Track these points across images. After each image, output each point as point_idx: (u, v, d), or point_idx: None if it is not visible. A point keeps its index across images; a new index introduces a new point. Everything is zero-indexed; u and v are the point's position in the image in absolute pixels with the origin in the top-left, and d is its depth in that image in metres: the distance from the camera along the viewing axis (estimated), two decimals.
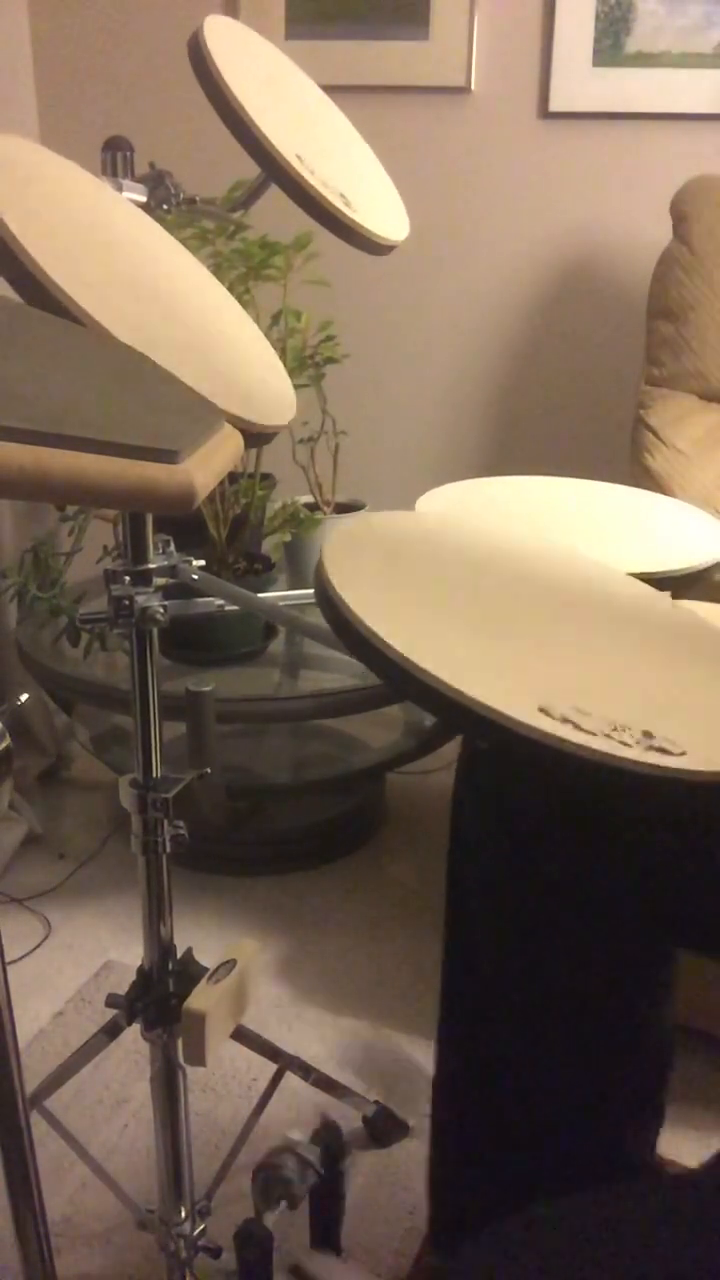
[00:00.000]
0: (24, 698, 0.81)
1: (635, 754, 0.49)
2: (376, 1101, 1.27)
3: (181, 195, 1.02)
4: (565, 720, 0.50)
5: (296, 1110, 1.26)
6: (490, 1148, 0.92)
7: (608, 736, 0.50)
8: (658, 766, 0.49)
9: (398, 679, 0.52)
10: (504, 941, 0.87)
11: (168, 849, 0.93)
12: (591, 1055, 0.88)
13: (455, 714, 0.50)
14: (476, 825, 0.88)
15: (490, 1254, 0.53)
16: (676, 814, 0.72)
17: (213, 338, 0.88)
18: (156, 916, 0.96)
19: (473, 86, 1.91)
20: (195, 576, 0.87)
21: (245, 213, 1.10)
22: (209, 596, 0.90)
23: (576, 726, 0.50)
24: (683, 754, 0.50)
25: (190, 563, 0.88)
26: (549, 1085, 0.88)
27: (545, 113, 1.90)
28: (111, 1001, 1.01)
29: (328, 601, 0.57)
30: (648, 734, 0.51)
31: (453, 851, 0.90)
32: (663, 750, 0.50)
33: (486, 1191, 0.93)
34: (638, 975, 0.87)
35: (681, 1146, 0.98)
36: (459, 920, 0.91)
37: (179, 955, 0.99)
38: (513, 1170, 0.90)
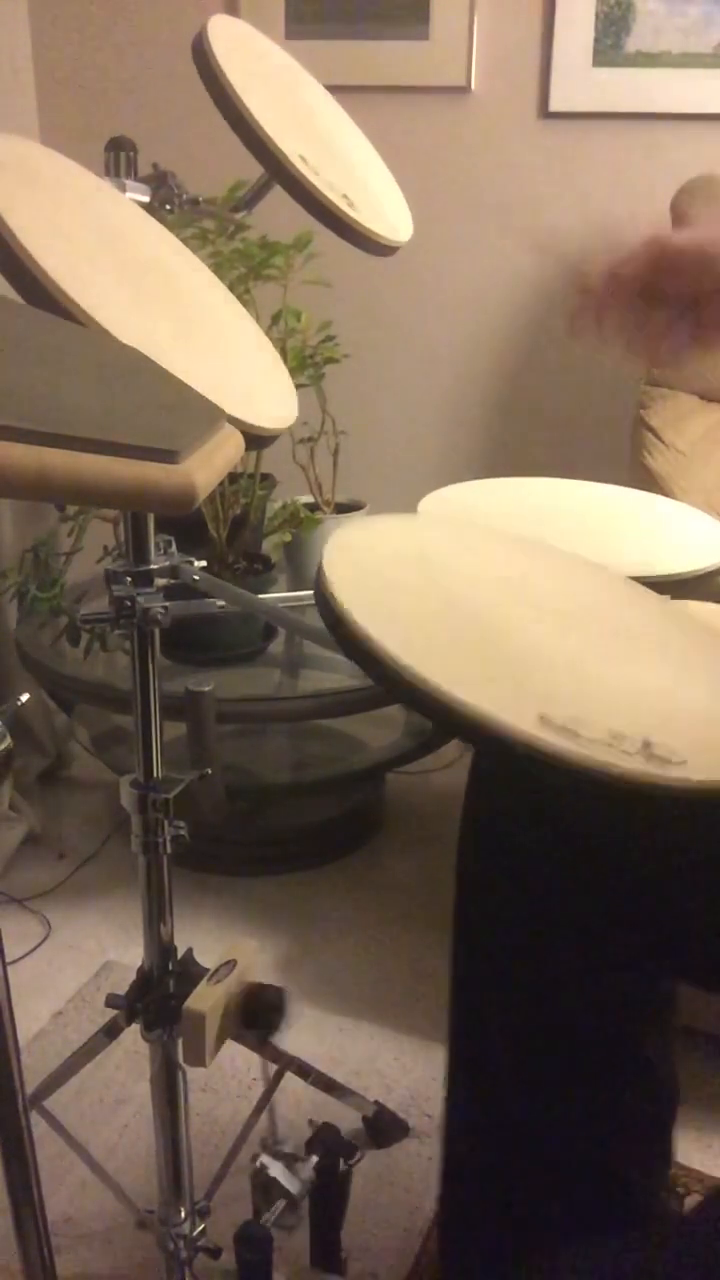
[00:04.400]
0: (24, 698, 0.81)
1: (635, 764, 0.49)
2: (376, 1102, 1.27)
3: (185, 196, 1.02)
4: (564, 730, 0.50)
5: (297, 1110, 1.26)
6: (497, 1163, 0.92)
7: (607, 746, 0.50)
8: (657, 777, 0.49)
9: (396, 686, 0.52)
10: (506, 959, 0.87)
11: (168, 849, 0.93)
12: (597, 1095, 0.88)
13: (453, 722, 0.50)
14: (480, 839, 0.87)
15: None
16: (676, 825, 0.71)
17: (214, 339, 0.88)
18: (157, 916, 0.96)
19: (473, 86, 1.91)
20: (197, 577, 0.87)
21: (247, 213, 1.10)
22: (210, 597, 0.90)
23: (576, 736, 0.50)
24: (683, 764, 0.50)
25: (192, 563, 0.88)
26: (553, 1109, 0.88)
27: (545, 113, 1.90)
28: (111, 1002, 1.01)
29: (327, 608, 0.57)
30: (647, 744, 0.51)
31: (459, 865, 0.90)
32: (663, 760, 0.50)
33: (495, 1202, 0.93)
34: (639, 1000, 0.87)
35: (681, 1146, 0.98)
36: (465, 936, 0.91)
37: (179, 955, 0.99)
38: (521, 1186, 0.90)
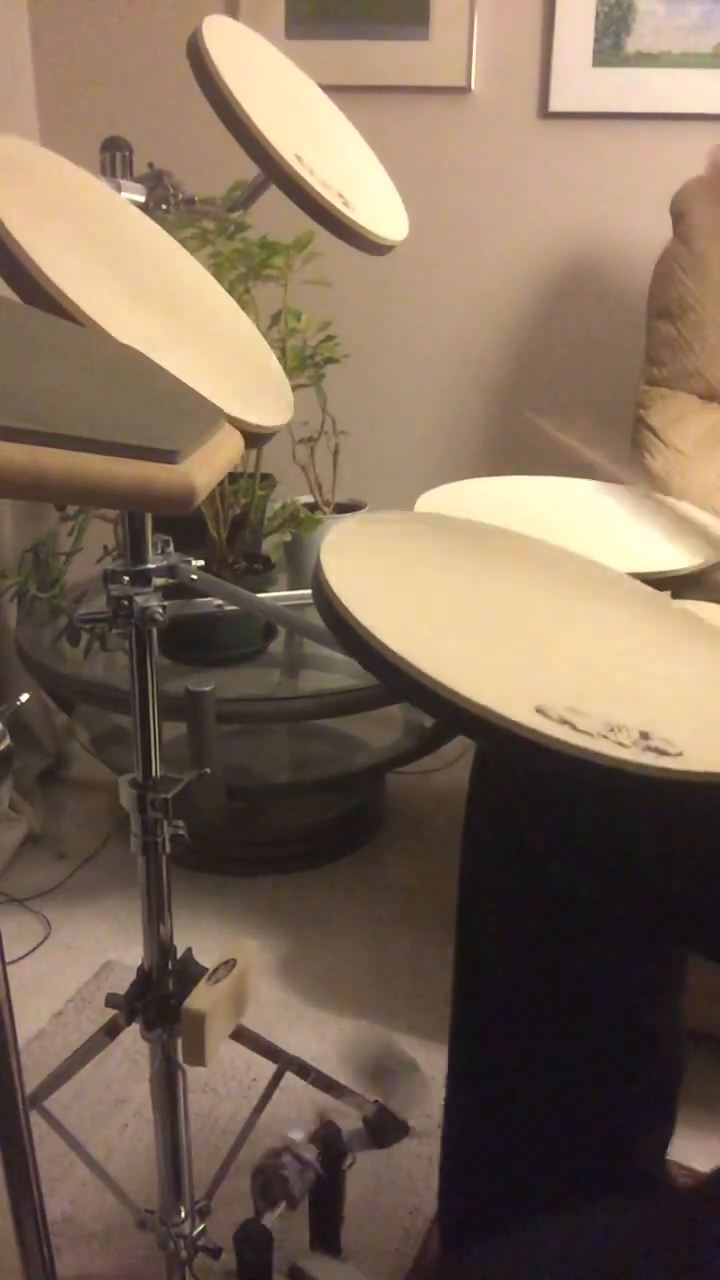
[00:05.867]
0: (24, 698, 0.81)
1: (632, 754, 0.49)
2: (376, 1101, 1.27)
3: (180, 195, 1.02)
4: (562, 721, 0.50)
5: (297, 1110, 1.26)
6: (500, 1153, 0.92)
7: (604, 737, 0.50)
8: (654, 767, 0.49)
9: (394, 679, 0.52)
10: (512, 950, 0.87)
11: (167, 849, 0.93)
12: (601, 1064, 0.88)
13: (452, 714, 0.50)
14: (484, 833, 0.87)
15: (486, 1262, 0.53)
16: (674, 815, 0.72)
17: (211, 338, 0.88)
18: (156, 916, 0.96)
19: (473, 86, 1.91)
20: (194, 577, 0.87)
21: (245, 213, 1.10)
22: (208, 596, 0.90)
23: (573, 727, 0.50)
24: (679, 754, 0.50)
25: (189, 563, 0.88)
26: (558, 1093, 0.88)
27: (545, 113, 1.90)
28: (111, 1001, 1.01)
29: (324, 601, 0.57)
30: (645, 734, 0.51)
31: (463, 859, 0.90)
32: (659, 751, 0.50)
33: (495, 1195, 0.93)
34: (646, 983, 0.87)
35: (682, 1146, 0.98)
36: (469, 928, 0.91)
37: (179, 955, 0.99)
38: (522, 1176, 0.90)
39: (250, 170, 0.97)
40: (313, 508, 1.73)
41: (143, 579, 0.85)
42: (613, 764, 0.48)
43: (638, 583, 0.78)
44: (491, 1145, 0.94)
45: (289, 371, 0.93)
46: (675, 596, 0.81)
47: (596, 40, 1.83)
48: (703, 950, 0.88)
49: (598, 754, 0.48)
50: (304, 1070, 1.22)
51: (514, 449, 2.10)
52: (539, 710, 0.50)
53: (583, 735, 0.49)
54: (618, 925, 0.83)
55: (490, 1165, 0.94)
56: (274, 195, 0.99)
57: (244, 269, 1.50)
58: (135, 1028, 1.00)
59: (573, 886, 0.81)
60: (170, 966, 0.98)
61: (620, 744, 0.49)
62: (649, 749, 0.50)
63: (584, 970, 0.84)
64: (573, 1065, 0.87)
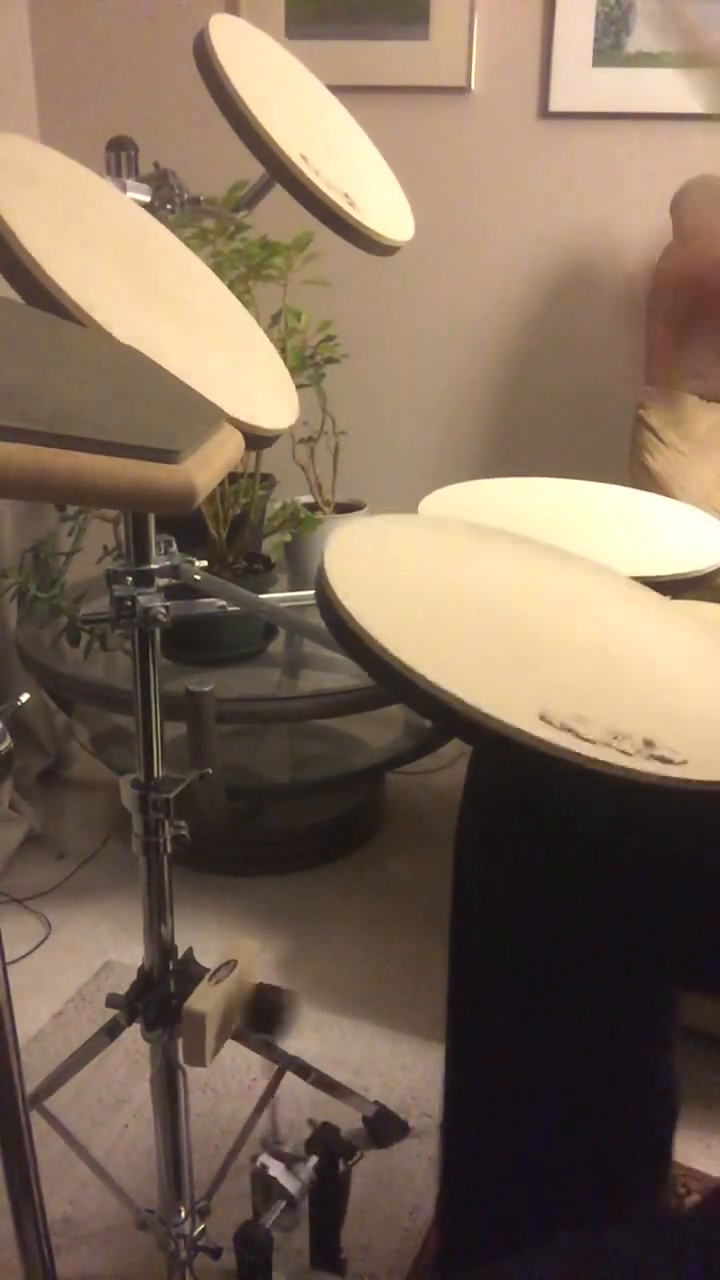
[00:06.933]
0: (24, 698, 0.81)
1: (636, 763, 0.49)
2: (376, 1102, 1.27)
3: (185, 195, 1.02)
4: (565, 728, 0.50)
5: (297, 1110, 1.26)
6: (497, 1156, 0.92)
7: (608, 745, 0.50)
8: (658, 775, 0.49)
9: (397, 685, 0.52)
10: (504, 957, 0.87)
11: (168, 849, 0.93)
12: (594, 1098, 0.88)
13: (454, 721, 0.50)
14: (477, 840, 0.87)
15: None
16: (677, 824, 0.71)
17: (215, 339, 0.88)
18: (157, 916, 0.96)
19: (473, 86, 1.91)
20: (198, 577, 0.87)
21: (247, 212, 1.10)
22: (210, 597, 0.90)
23: (577, 734, 0.50)
24: (684, 762, 0.50)
25: (192, 563, 0.88)
26: (553, 1102, 0.88)
27: (545, 113, 1.90)
28: (111, 1001, 1.01)
29: (328, 606, 0.57)
30: (649, 742, 0.51)
31: (456, 865, 0.90)
32: (663, 759, 0.50)
33: (494, 1196, 0.93)
34: (639, 1020, 0.87)
35: (682, 1147, 0.98)
36: (462, 932, 0.91)
37: (179, 955, 0.99)
38: (520, 1177, 0.90)
39: (254, 169, 0.97)
40: (313, 508, 1.73)
41: (146, 579, 0.85)
42: (617, 773, 0.48)
43: (640, 586, 0.78)
44: (489, 1148, 0.94)
45: (289, 371, 0.92)
46: (675, 597, 0.81)
47: (596, 40, 1.83)
48: (693, 980, 0.88)
49: (602, 762, 0.48)
50: (304, 1070, 1.22)
51: (514, 448, 2.10)
52: (542, 717, 0.50)
53: (586, 743, 0.49)
54: (610, 938, 0.82)
55: (488, 1167, 0.94)
56: (275, 194, 0.99)
57: (244, 269, 1.50)
58: (135, 1028, 1.00)
59: (567, 895, 0.81)
60: (171, 967, 0.98)
61: (624, 752, 0.49)
62: (653, 757, 0.50)
63: (577, 985, 0.84)
64: (564, 1082, 0.87)
